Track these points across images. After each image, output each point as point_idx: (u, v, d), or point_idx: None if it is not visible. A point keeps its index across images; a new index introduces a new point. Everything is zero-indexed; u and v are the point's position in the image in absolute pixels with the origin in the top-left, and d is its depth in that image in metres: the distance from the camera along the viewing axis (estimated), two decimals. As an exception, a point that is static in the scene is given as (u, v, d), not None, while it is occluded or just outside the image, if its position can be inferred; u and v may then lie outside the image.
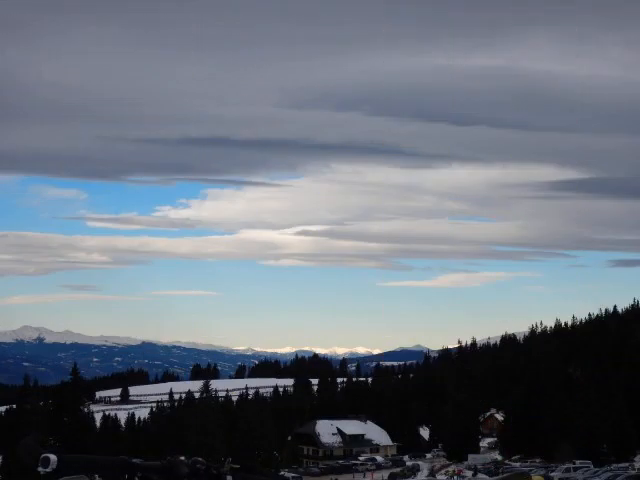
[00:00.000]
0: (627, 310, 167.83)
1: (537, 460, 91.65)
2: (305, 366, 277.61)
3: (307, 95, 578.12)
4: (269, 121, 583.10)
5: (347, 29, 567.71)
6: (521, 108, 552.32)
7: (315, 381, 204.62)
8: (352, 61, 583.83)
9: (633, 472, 61.44)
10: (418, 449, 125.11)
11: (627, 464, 78.44)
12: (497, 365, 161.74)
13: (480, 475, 70.74)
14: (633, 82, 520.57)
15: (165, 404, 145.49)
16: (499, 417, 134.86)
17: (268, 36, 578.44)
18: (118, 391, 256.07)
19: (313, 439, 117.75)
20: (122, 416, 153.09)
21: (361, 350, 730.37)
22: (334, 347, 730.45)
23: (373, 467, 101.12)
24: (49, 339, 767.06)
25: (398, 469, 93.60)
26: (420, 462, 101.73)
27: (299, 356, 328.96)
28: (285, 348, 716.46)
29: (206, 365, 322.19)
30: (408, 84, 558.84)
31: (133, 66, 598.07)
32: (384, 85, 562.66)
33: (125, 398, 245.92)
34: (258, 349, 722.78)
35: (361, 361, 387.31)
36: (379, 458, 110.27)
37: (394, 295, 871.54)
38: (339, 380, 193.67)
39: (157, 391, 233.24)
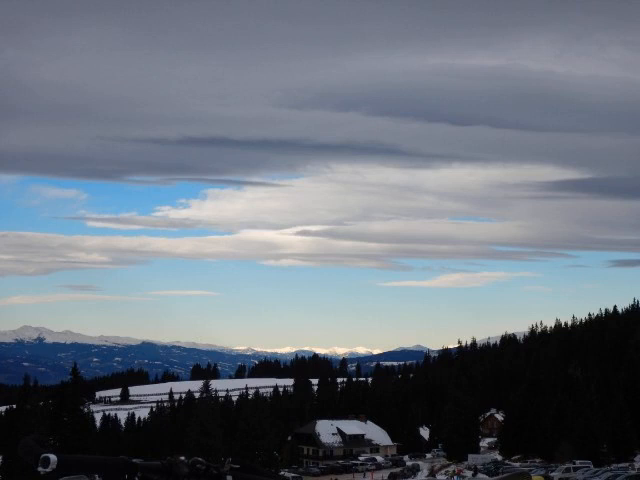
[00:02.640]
0: (627, 310, 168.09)
1: (537, 460, 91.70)
2: (305, 366, 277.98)
3: (307, 95, 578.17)
4: (269, 121, 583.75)
5: (347, 29, 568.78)
6: (521, 108, 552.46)
7: (315, 381, 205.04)
8: (352, 61, 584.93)
9: (633, 472, 61.42)
10: (418, 449, 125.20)
11: (627, 464, 78.54)
12: (497, 365, 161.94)
13: (480, 475, 70.63)
14: (633, 82, 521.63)
15: (165, 404, 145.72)
16: (499, 417, 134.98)
17: (268, 36, 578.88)
18: (118, 391, 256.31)
19: (313, 439, 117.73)
20: (122, 416, 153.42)
21: (361, 350, 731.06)
22: (334, 347, 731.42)
23: (373, 467, 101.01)
24: (49, 339, 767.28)
25: (398, 469, 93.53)
26: (420, 462, 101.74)
27: (299, 356, 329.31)
28: (285, 348, 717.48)
29: (206, 365, 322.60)
30: (408, 84, 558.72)
31: (133, 66, 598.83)
32: (384, 85, 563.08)
33: (125, 398, 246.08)
34: (258, 349, 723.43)
35: (361, 361, 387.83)
36: (379, 458, 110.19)
37: (394, 295, 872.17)
38: (339, 380, 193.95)
39: (157, 391, 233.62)
